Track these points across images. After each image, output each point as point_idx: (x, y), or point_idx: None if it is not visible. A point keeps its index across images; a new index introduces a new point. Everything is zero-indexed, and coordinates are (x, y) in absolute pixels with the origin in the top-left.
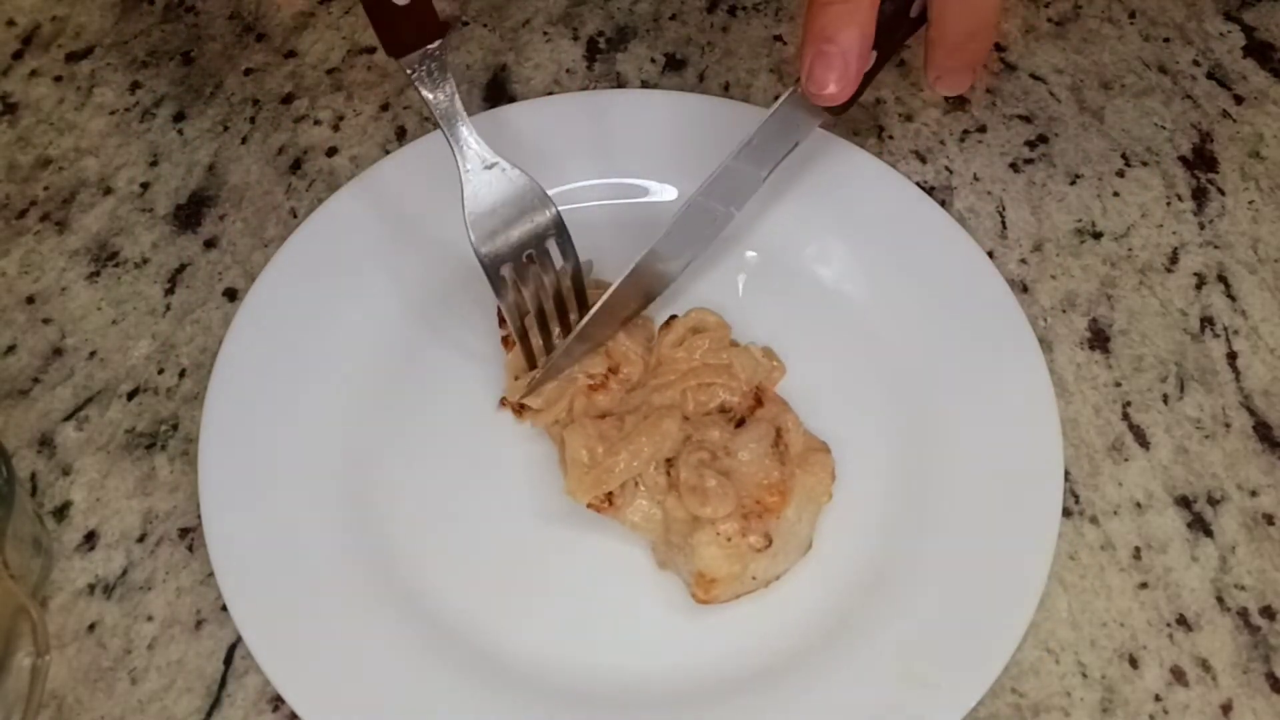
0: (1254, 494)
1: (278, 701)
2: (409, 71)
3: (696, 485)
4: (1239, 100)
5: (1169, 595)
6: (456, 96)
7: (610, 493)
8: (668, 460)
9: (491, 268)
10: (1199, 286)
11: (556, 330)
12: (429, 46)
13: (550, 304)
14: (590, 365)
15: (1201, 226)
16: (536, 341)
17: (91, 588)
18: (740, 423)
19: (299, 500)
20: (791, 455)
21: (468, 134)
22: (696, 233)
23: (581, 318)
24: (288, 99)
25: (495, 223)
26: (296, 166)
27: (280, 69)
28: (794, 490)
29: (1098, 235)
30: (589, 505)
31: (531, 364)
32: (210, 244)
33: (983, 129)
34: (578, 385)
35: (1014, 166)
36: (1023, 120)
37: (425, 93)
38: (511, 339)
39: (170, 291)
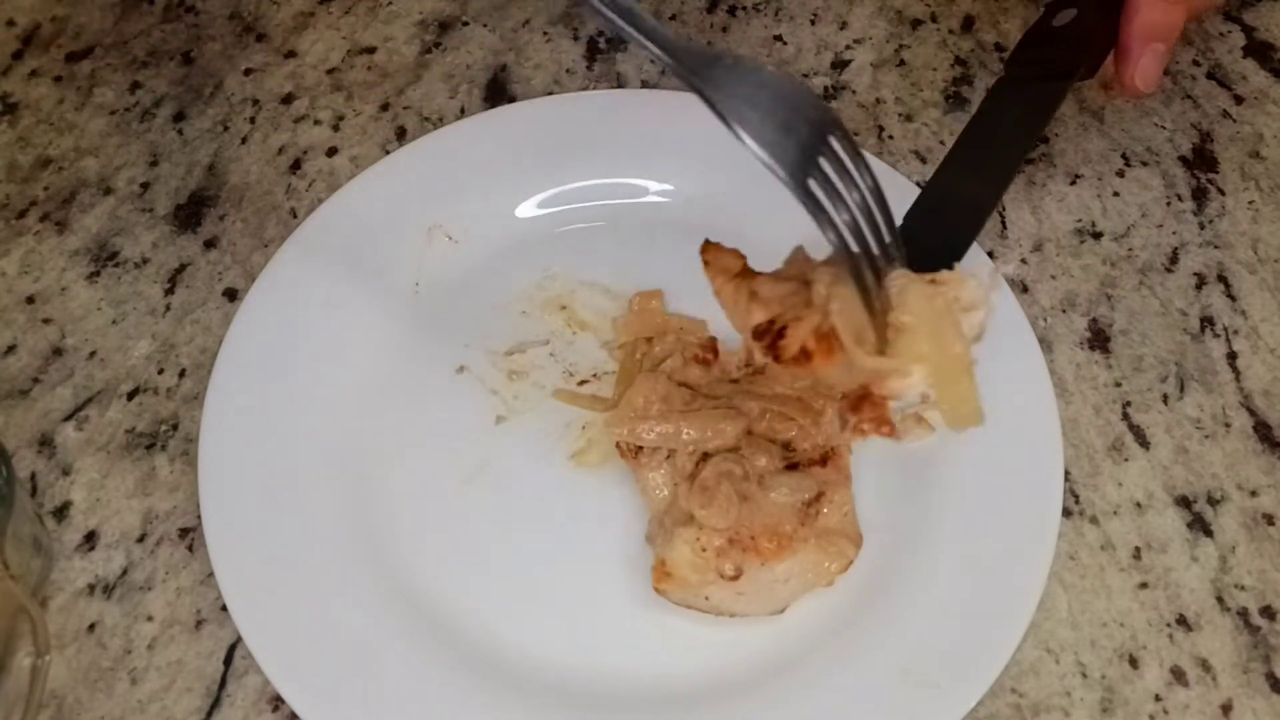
0: (1254, 494)
1: (278, 701)
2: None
3: (709, 488)
4: (1239, 100)
5: (1169, 595)
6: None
7: (641, 447)
8: (705, 454)
9: (800, 188)
10: (1199, 286)
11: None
12: None
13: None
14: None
15: (1201, 226)
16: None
17: (91, 588)
18: (793, 467)
19: (299, 500)
20: (818, 525)
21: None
22: None
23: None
24: (288, 99)
25: (774, 130)
26: (296, 166)
27: (280, 69)
28: (796, 555)
29: (1098, 235)
30: (617, 443)
31: (868, 303)
32: (210, 244)
33: None
34: (687, 348)
35: None
36: None
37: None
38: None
39: (170, 291)
